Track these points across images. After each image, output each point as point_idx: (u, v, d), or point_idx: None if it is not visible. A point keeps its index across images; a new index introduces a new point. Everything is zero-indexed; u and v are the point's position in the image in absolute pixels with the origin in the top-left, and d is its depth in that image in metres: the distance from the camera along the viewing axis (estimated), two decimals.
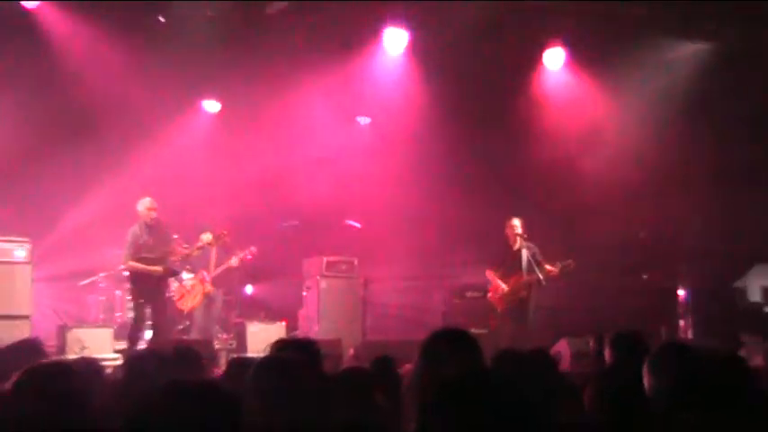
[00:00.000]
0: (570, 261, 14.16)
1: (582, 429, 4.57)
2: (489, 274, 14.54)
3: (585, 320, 14.79)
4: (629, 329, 7.04)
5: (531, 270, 14.10)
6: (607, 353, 6.81)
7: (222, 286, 15.00)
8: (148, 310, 13.37)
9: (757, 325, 15.46)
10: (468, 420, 2.73)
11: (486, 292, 14.91)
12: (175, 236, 14.23)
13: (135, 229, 13.42)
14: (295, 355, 5.13)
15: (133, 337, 13.28)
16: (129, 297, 14.18)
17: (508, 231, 14.42)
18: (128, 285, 14.03)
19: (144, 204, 13.43)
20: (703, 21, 14.78)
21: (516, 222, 14.37)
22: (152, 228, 13.48)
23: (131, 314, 14.66)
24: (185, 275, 14.59)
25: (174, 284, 14.47)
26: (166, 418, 2.78)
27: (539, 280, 14.02)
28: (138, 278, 13.40)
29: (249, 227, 15.37)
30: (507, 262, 14.38)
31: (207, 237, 14.14)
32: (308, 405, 4.13)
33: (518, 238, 14.34)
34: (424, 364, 4.26)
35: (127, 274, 13.74)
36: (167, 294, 14.13)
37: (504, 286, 14.25)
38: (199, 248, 13.98)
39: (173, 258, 13.55)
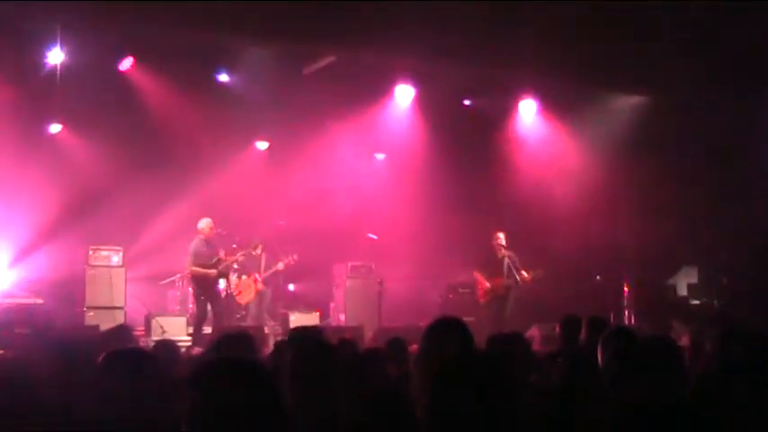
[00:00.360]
0: (540, 270, 14.29)
1: (549, 393, 4.59)
2: (477, 275, 14.67)
3: (552, 311, 14.80)
4: (600, 316, 7.09)
5: (510, 274, 14.24)
6: (583, 332, 6.84)
7: (271, 284, 15.10)
8: (207, 305, 13.44)
9: (684, 314, 15.44)
10: (467, 390, 2.79)
11: (473, 288, 15.06)
12: (234, 245, 14.38)
13: (195, 242, 13.55)
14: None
15: (197, 325, 13.39)
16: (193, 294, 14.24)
17: (494, 243, 14.53)
18: (192, 285, 14.11)
19: (203, 223, 13.57)
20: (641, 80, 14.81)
21: (500, 235, 14.53)
22: (208, 241, 13.61)
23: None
24: (236, 278, 14.63)
25: (233, 282, 14.52)
26: (214, 382, 2.71)
27: (516, 282, 14.16)
28: (198, 280, 13.50)
29: (294, 238, 15.44)
30: (492, 267, 14.50)
31: (257, 249, 14.49)
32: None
33: (501, 248, 14.44)
34: (428, 345, 4.28)
35: (190, 276, 13.86)
36: (228, 291, 14.22)
37: (487, 284, 14.36)
38: (243, 256, 14.16)
39: (224, 265, 13.67)
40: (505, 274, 14.33)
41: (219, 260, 13.61)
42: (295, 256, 14.76)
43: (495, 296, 14.37)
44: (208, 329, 13.08)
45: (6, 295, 13.17)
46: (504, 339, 5.71)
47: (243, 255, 14.18)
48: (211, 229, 13.61)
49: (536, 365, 5.48)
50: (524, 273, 14.22)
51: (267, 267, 14.92)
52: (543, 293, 14.94)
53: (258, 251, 14.70)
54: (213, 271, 13.44)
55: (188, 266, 13.57)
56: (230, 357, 2.91)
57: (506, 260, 14.37)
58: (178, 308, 15.16)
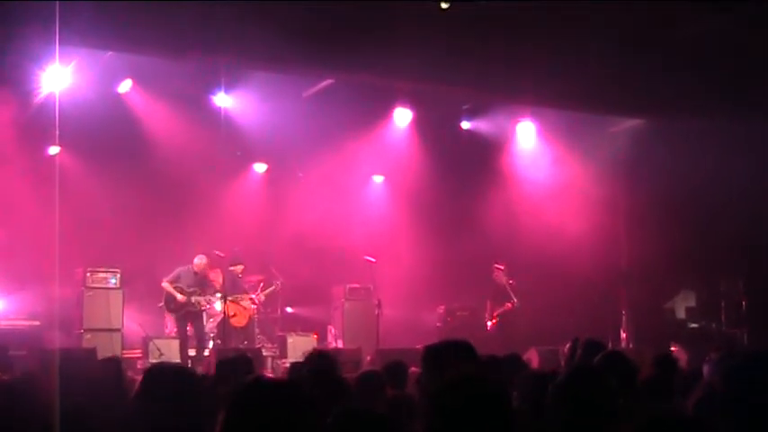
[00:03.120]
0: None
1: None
2: (487, 304, 15.53)
3: (550, 333, 14.88)
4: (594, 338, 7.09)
5: (509, 298, 14.92)
6: (578, 353, 6.84)
7: (269, 306, 15.21)
8: (187, 327, 14.01)
9: (682, 336, 15.46)
10: (464, 411, 2.81)
11: (472, 311, 15.38)
12: (240, 273, 14.63)
13: (184, 268, 14.15)
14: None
15: (180, 346, 13.87)
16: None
17: (495, 272, 15.30)
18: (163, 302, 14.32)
19: (197, 259, 14.20)
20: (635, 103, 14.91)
21: (500, 267, 15.30)
22: (195, 274, 14.14)
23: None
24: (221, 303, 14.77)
25: (230, 307, 14.55)
26: (257, 404, 2.72)
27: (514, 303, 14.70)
28: (166, 297, 14.07)
29: (292, 261, 15.48)
30: (498, 294, 15.29)
31: (236, 266, 14.95)
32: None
33: (502, 276, 15.22)
34: (431, 368, 4.28)
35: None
36: (224, 315, 14.24)
37: (496, 312, 15.25)
38: (211, 300, 14.40)
39: (193, 300, 14.03)
40: (510, 299, 15.02)
41: (193, 293, 14.01)
42: (279, 283, 15.20)
43: (504, 322, 14.81)
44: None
45: (2, 317, 13.14)
46: (502, 361, 5.72)
47: (215, 298, 14.40)
48: (204, 266, 14.21)
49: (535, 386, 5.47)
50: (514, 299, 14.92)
51: (265, 288, 15.09)
52: (541, 317, 15.00)
53: (238, 268, 14.88)
54: (181, 297, 13.93)
55: (164, 281, 14.04)
56: (267, 379, 2.87)
57: (508, 287, 15.02)
58: (175, 330, 15.11)
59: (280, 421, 2.65)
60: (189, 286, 14.01)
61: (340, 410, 3.21)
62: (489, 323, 15.34)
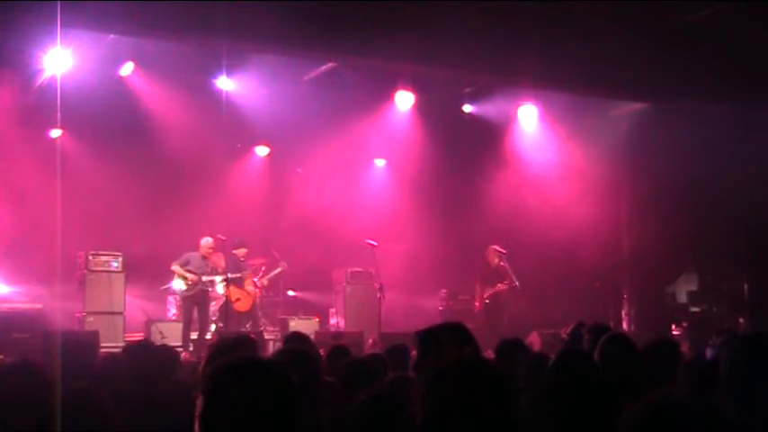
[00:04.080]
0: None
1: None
2: (477, 286, 15.36)
3: (552, 317, 14.94)
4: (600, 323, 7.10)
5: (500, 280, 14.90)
6: (586, 337, 6.84)
7: (271, 289, 15.22)
8: (194, 311, 13.91)
9: (683, 321, 15.48)
10: (465, 394, 2.79)
11: (472, 296, 15.38)
12: (242, 257, 14.67)
13: (193, 253, 14.08)
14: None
15: (183, 330, 13.75)
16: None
17: (488, 253, 15.15)
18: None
19: (203, 241, 14.10)
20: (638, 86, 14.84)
21: (495, 247, 15.12)
22: (204, 257, 14.06)
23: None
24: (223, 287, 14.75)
25: (233, 291, 14.54)
26: (233, 381, 2.66)
27: (512, 289, 14.76)
28: (178, 280, 13.96)
29: (294, 244, 15.50)
30: (489, 276, 15.13)
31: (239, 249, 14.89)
32: None
33: (496, 258, 15.04)
34: (428, 348, 4.27)
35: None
36: (227, 299, 14.24)
37: (485, 294, 15.06)
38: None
39: (201, 283, 13.94)
40: (502, 282, 14.85)
41: (202, 276, 13.94)
42: (284, 264, 15.13)
43: (493, 304, 14.65)
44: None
45: (5, 300, 13.15)
46: (505, 345, 5.71)
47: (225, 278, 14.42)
48: (209, 248, 14.08)
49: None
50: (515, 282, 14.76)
51: (268, 272, 15.07)
52: (543, 300, 14.99)
53: (241, 251, 14.84)
54: (192, 276, 13.81)
55: (174, 264, 13.99)
56: (245, 358, 2.83)
57: (500, 269, 14.91)
58: (176, 313, 15.14)
59: (260, 401, 2.61)
60: (198, 269, 13.95)
61: (363, 396, 3.21)
62: (477, 304, 15.28)
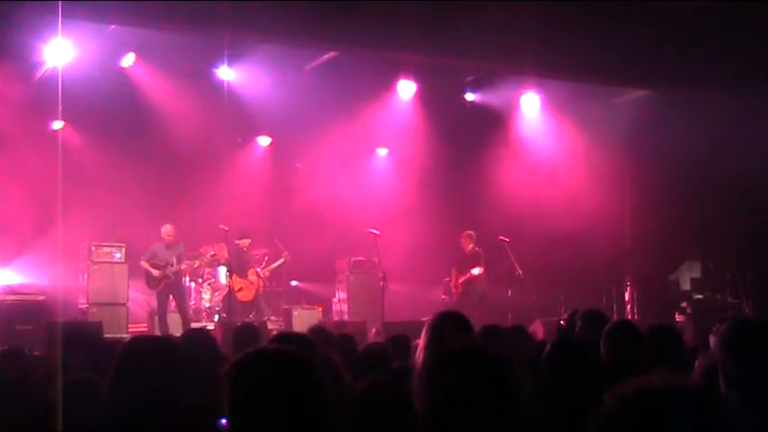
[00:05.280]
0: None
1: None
2: (452, 272, 15.36)
3: (555, 305, 14.96)
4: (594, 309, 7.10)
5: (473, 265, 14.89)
6: (578, 324, 6.84)
7: (274, 280, 15.23)
8: (167, 302, 13.96)
9: (687, 308, 15.47)
10: (465, 382, 2.79)
11: None
12: (245, 247, 14.83)
13: (157, 245, 14.14)
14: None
15: (158, 320, 13.84)
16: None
17: (462, 239, 15.15)
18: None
19: (164, 229, 14.14)
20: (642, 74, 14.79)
21: (470, 233, 15.16)
22: (168, 247, 14.09)
23: (203, 302, 14.95)
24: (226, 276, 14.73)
25: (236, 281, 14.54)
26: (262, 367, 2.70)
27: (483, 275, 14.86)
28: (145, 276, 13.98)
29: (296, 234, 15.51)
30: (463, 262, 15.15)
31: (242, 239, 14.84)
32: None
33: (469, 244, 15.04)
34: (429, 337, 4.27)
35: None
36: (230, 289, 14.23)
37: (459, 280, 15.07)
38: (197, 264, 14.64)
39: (172, 270, 13.94)
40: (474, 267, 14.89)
41: (168, 265, 13.92)
42: (287, 254, 15.14)
43: (465, 291, 14.87)
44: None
45: (7, 291, 13.17)
46: (506, 332, 5.71)
47: (200, 262, 14.56)
48: (169, 235, 14.08)
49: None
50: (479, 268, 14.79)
51: (270, 262, 15.07)
52: (546, 288, 14.99)
53: (244, 242, 14.86)
54: (156, 271, 13.86)
55: (141, 260, 14.00)
56: (275, 348, 2.84)
57: (476, 254, 14.93)
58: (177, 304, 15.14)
59: (284, 392, 2.63)
60: (163, 260, 13.97)
61: (365, 385, 3.20)
62: (453, 290, 15.26)
